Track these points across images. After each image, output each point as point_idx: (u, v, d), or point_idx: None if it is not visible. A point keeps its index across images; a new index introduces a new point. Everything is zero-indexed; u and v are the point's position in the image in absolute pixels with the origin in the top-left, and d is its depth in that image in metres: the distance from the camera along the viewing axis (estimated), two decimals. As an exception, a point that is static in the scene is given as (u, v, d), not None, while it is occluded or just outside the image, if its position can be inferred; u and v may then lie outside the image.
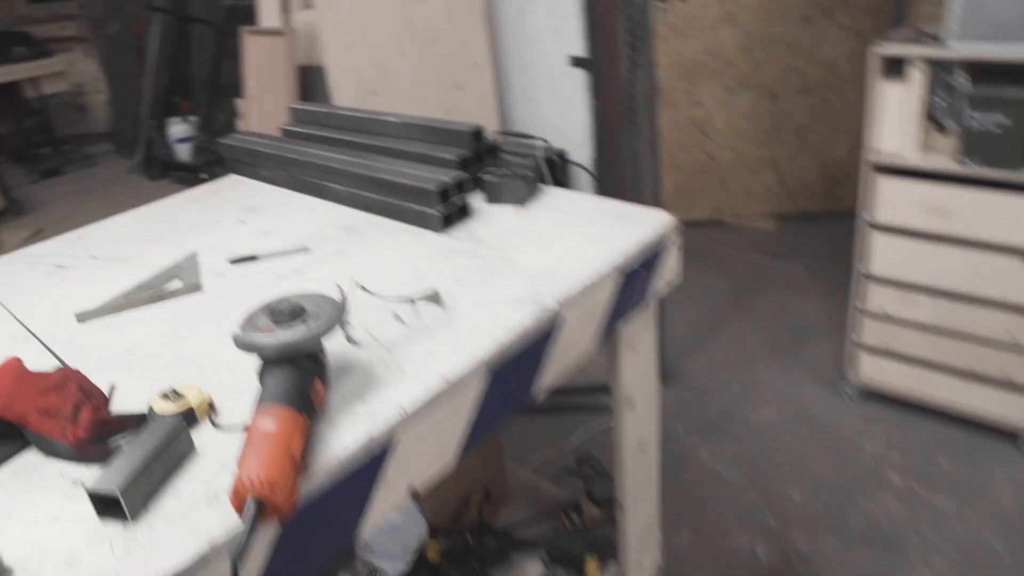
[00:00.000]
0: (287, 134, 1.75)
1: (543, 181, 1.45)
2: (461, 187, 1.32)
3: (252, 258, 1.28)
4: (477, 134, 1.47)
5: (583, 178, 3.51)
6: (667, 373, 2.58)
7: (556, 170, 3.36)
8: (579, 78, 3.31)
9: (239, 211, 1.56)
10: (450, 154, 1.43)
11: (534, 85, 3.45)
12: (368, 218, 1.43)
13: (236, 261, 1.29)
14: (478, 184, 1.43)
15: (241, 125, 4.15)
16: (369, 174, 1.40)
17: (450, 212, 1.30)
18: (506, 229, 1.30)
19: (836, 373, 2.72)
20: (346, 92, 3.75)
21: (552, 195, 1.47)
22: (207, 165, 4.91)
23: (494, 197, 1.40)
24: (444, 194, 1.29)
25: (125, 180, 5.59)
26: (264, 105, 3.91)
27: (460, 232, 1.31)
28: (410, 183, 1.31)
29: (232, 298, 1.20)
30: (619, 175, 3.19)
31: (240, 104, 4.10)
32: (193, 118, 5.42)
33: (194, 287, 1.24)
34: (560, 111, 3.40)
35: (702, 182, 4.34)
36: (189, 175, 5.11)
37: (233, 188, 1.72)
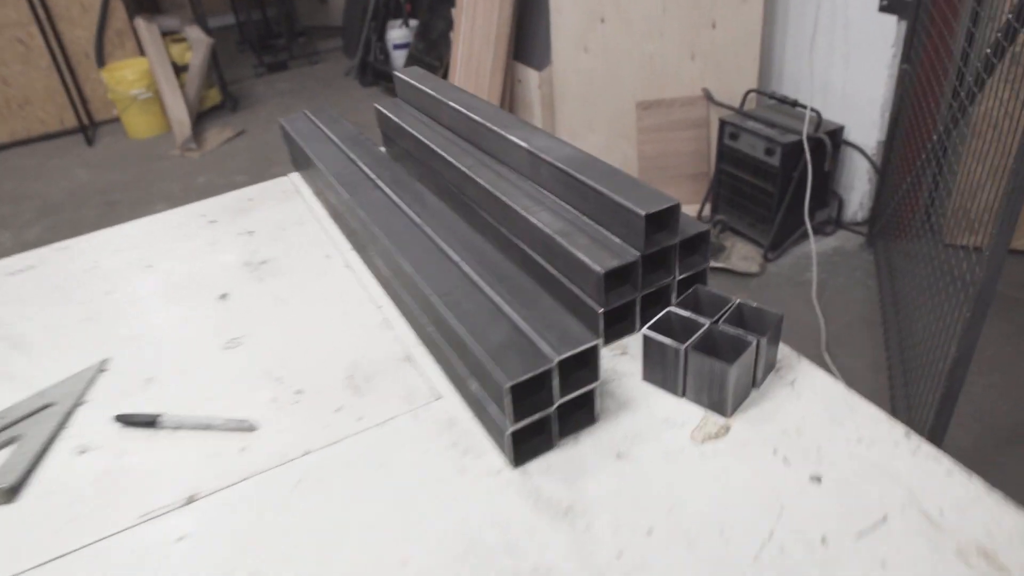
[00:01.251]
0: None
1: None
2: (585, 362, 0.70)
3: (150, 423, 0.82)
4: (662, 219, 0.79)
5: (859, 169, 2.72)
6: None
7: (824, 153, 2.61)
8: (886, 28, 2.49)
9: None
10: (593, 253, 0.79)
11: (816, 32, 2.68)
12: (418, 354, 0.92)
13: (126, 421, 0.83)
14: (619, 318, 0.81)
15: (451, 37, 3.78)
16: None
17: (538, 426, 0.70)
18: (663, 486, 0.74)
19: None
20: (569, 17, 3.22)
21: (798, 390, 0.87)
22: (415, 79, 4.66)
23: (666, 377, 0.78)
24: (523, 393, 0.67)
25: (340, 83, 5.58)
26: (476, 19, 3.49)
27: (544, 474, 0.69)
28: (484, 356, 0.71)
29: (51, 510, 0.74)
30: (918, 176, 2.37)
31: (454, 13, 3.72)
32: (413, 22, 5.20)
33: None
34: (847, 72, 2.62)
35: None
36: (397, 87, 4.92)
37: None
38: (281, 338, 0.92)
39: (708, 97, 2.93)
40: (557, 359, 0.66)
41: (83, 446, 0.80)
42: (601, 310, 0.79)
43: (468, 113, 1.06)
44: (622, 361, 0.81)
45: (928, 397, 1.71)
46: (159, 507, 0.71)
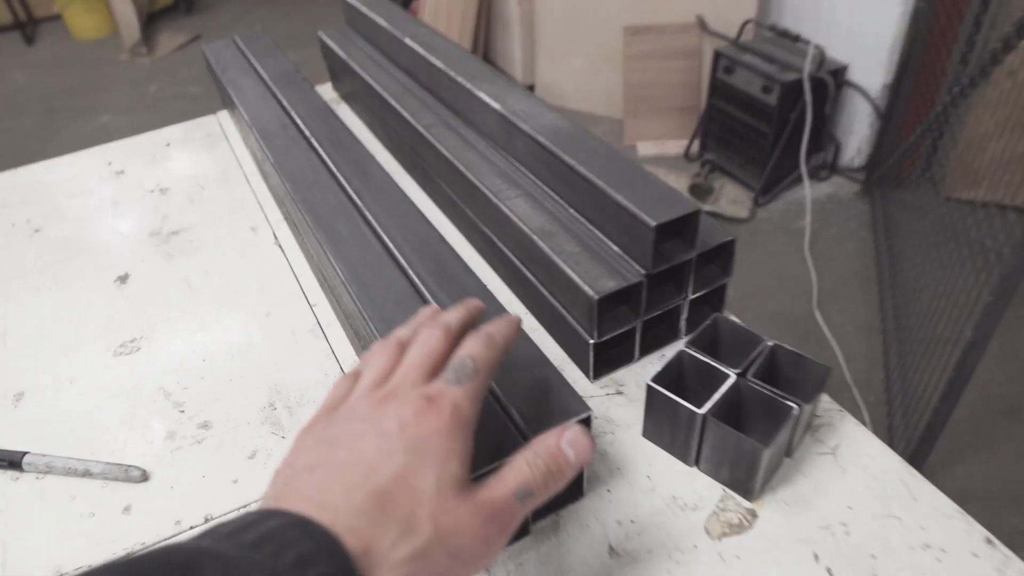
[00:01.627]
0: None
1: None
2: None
3: (14, 464, 0.62)
4: (676, 226, 0.60)
5: (860, 112, 2.51)
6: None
7: (825, 94, 2.38)
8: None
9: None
10: (584, 267, 0.60)
11: (827, -42, 2.40)
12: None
13: None
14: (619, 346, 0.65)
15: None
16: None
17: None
18: None
19: None
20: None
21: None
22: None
23: (675, 441, 0.59)
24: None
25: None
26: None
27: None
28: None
29: None
30: (924, 128, 2.17)
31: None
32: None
33: None
34: (855, 6, 2.36)
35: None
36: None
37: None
38: (187, 343, 0.72)
39: (702, 25, 2.67)
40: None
41: (-81, 488, 0.61)
42: (591, 341, 0.60)
43: (428, 56, 0.83)
44: (616, 405, 0.62)
45: (932, 377, 1.57)
46: (4, 591, 0.53)
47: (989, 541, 0.52)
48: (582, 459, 0.41)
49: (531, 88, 3.30)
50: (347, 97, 1.10)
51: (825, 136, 2.57)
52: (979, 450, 1.82)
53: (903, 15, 2.27)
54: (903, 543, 0.52)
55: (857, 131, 2.57)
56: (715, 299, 0.68)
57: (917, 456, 1.61)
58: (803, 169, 2.44)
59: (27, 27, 4.43)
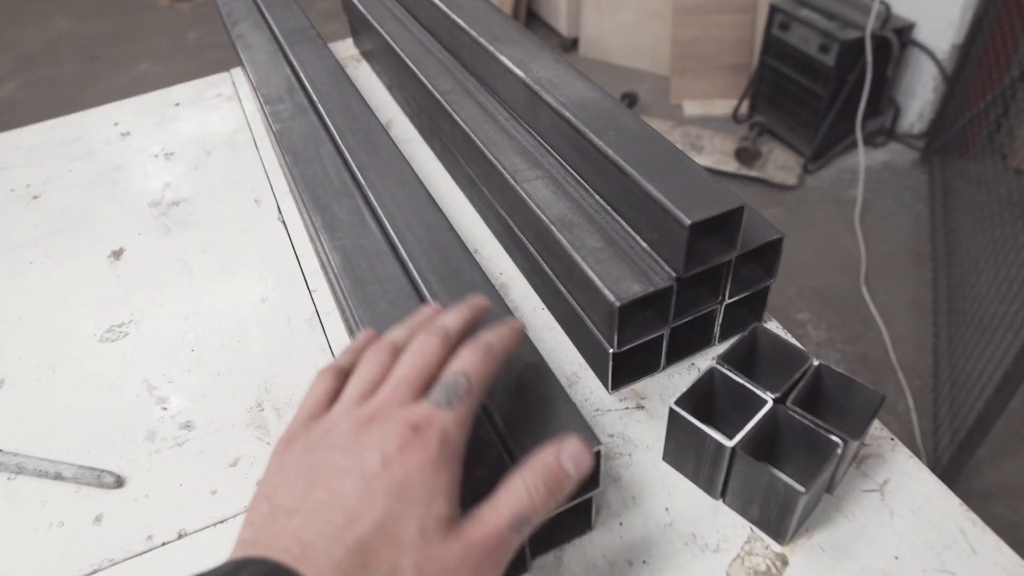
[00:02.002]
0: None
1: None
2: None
3: None
4: (714, 223, 0.52)
5: (925, 75, 2.33)
6: (944, 478, 1.62)
7: (888, 55, 2.22)
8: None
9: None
10: (606, 266, 0.53)
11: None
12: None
13: None
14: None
15: None
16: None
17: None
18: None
19: None
20: None
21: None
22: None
23: (699, 471, 0.52)
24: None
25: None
26: None
27: None
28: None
29: None
30: (996, 95, 2.01)
31: None
32: None
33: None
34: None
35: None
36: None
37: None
38: (178, 330, 0.67)
39: (760, -24, 2.50)
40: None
41: None
42: (611, 350, 0.53)
43: (449, 12, 0.75)
44: (636, 421, 0.55)
45: (986, 366, 1.46)
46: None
47: (1064, 608, 0.44)
48: (583, 473, 0.38)
49: (575, 42, 3.16)
50: (367, 55, 1.02)
51: (884, 99, 2.41)
52: (1031, 443, 1.71)
53: (979, -33, 2.09)
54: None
55: (920, 95, 2.40)
56: (755, 302, 0.60)
57: (963, 451, 1.51)
58: (859, 135, 2.30)
59: (70, -30, 4.39)
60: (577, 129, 0.57)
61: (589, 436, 0.43)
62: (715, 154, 2.46)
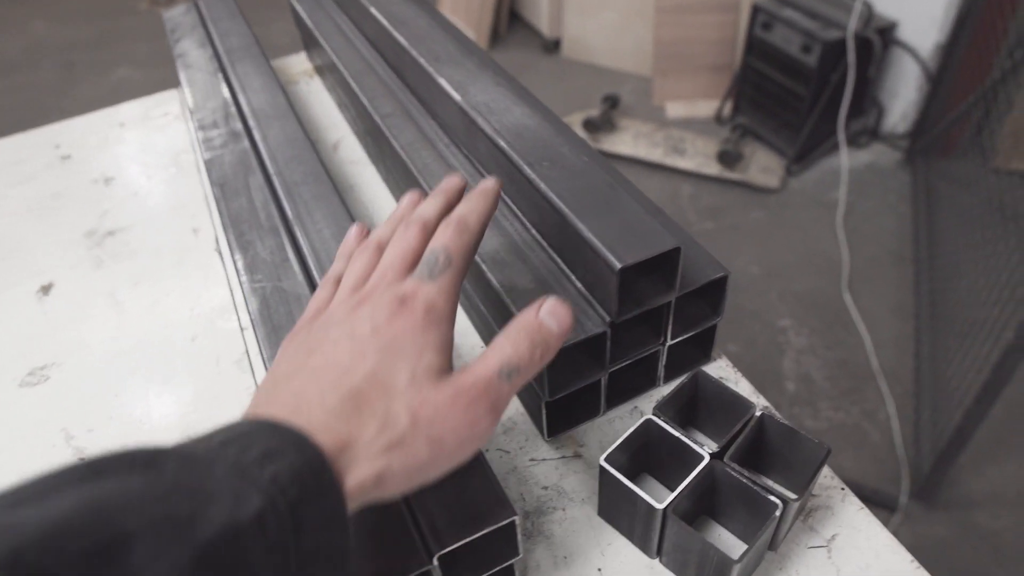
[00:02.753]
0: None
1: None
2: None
3: None
4: (652, 264, 0.49)
5: (908, 74, 2.30)
6: (925, 486, 1.58)
7: (870, 55, 2.18)
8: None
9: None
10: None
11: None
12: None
13: None
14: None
15: None
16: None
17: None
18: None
19: None
20: None
21: None
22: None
23: (633, 530, 0.49)
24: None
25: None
26: None
27: None
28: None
29: None
30: (980, 94, 1.98)
31: None
32: None
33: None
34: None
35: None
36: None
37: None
38: (101, 374, 0.64)
39: (741, -25, 2.47)
40: (439, 552, 0.38)
41: None
42: (545, 399, 0.50)
43: (391, 30, 0.72)
44: (573, 471, 0.52)
45: (967, 374, 1.44)
46: None
47: None
48: (565, 327, 0.39)
49: (557, 43, 3.12)
50: (319, 70, 0.99)
51: (868, 100, 2.38)
52: (1013, 448, 1.68)
53: (960, -35, 2.06)
54: None
55: (903, 95, 2.37)
56: (704, 339, 0.57)
57: (944, 460, 1.49)
58: (841, 136, 2.27)
59: (50, -26, 4.34)
60: (511, 159, 0.54)
61: (503, 506, 0.40)
62: (697, 157, 2.43)
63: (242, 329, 0.65)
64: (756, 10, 2.32)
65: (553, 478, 0.52)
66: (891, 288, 2.04)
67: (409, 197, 0.48)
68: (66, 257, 0.76)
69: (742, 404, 0.49)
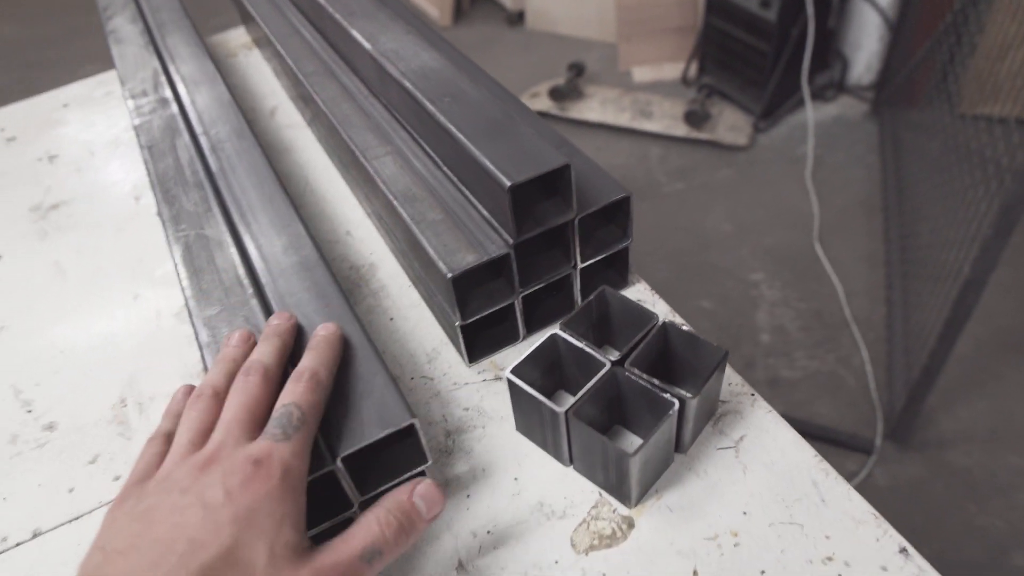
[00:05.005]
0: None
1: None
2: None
3: None
4: (548, 184, 0.52)
5: (869, 25, 2.32)
6: (898, 428, 1.61)
7: (828, 6, 2.20)
8: None
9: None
10: (443, 239, 0.52)
11: None
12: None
13: None
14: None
15: None
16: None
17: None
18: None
19: None
20: None
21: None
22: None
23: (546, 439, 0.52)
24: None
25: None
26: None
27: None
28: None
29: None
30: (937, 37, 2.00)
31: None
32: None
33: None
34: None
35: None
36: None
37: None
38: (47, 333, 0.66)
39: (699, -66, 2.48)
40: (343, 454, 0.41)
41: None
42: (458, 323, 0.53)
43: (311, -11, 0.73)
44: (493, 393, 0.55)
45: (930, 315, 1.47)
46: None
47: (904, 551, 0.44)
48: (434, 513, 0.41)
49: (521, 15, 3.13)
50: (257, 42, 1.00)
51: (832, 53, 2.40)
52: (983, 386, 1.72)
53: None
54: (801, 556, 0.44)
55: (866, 46, 2.39)
56: (619, 263, 0.60)
57: (913, 400, 1.52)
58: (805, 90, 2.29)
59: (9, -23, 4.30)
60: (414, 98, 0.56)
61: (401, 410, 0.43)
62: (664, 119, 2.45)
63: (183, 286, 0.68)
64: (715, -32, 2.34)
65: (474, 400, 0.55)
66: (862, 238, 2.07)
67: (239, 335, 0.46)
68: (12, 231, 0.78)
69: (645, 316, 0.51)
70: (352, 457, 0.41)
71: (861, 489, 1.66)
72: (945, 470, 1.61)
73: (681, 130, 2.40)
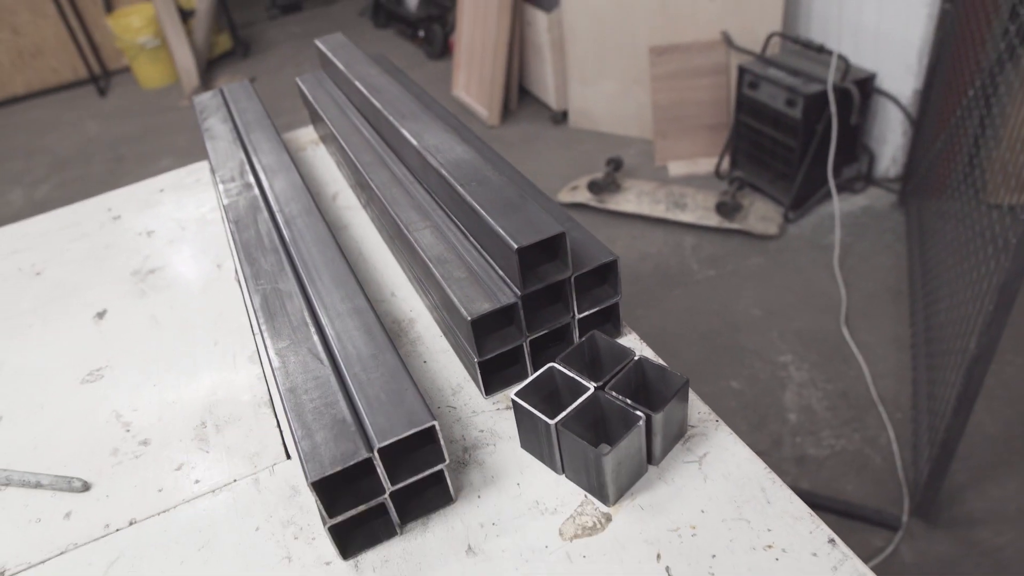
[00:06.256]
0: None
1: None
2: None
3: None
4: (550, 248, 0.67)
5: (893, 120, 2.46)
6: (923, 504, 1.64)
7: (851, 104, 2.36)
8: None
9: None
10: (466, 291, 0.66)
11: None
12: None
13: None
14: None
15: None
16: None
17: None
18: None
19: None
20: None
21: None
22: (427, 20, 4.44)
23: (542, 451, 0.64)
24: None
25: (353, 25, 5.38)
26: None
27: (377, 571, 0.61)
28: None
29: None
30: (958, 126, 2.13)
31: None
32: (430, -41, 4.94)
33: None
34: (881, 13, 2.34)
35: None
36: (408, 29, 4.70)
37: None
38: (144, 370, 0.81)
39: (727, 41, 2.69)
40: (378, 445, 0.54)
41: (-91, 500, 0.72)
42: (477, 360, 0.66)
43: (370, 97, 0.91)
44: (504, 419, 0.68)
45: (948, 391, 1.54)
46: (-37, 587, 0.63)
47: (832, 542, 0.55)
48: None
49: (565, 114, 3.37)
50: (323, 139, 1.19)
51: (858, 147, 2.54)
52: (1013, 466, 1.75)
53: (929, 17, 2.24)
54: (746, 543, 0.55)
55: (891, 140, 2.52)
56: (612, 316, 0.73)
57: (935, 474, 1.57)
58: (831, 182, 2.42)
59: (100, 80, 4.80)
60: (448, 182, 0.71)
61: (425, 416, 0.56)
62: (698, 210, 2.60)
63: (254, 333, 0.83)
64: (742, 71, 2.53)
65: (488, 424, 0.67)
66: (888, 321, 2.15)
67: None
68: (117, 291, 0.95)
69: (625, 353, 0.64)
70: (385, 451, 0.54)
71: (887, 565, 1.70)
72: (975, 549, 1.63)
73: (713, 220, 2.55)
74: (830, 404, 1.96)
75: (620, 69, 3.05)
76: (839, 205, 2.47)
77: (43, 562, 0.63)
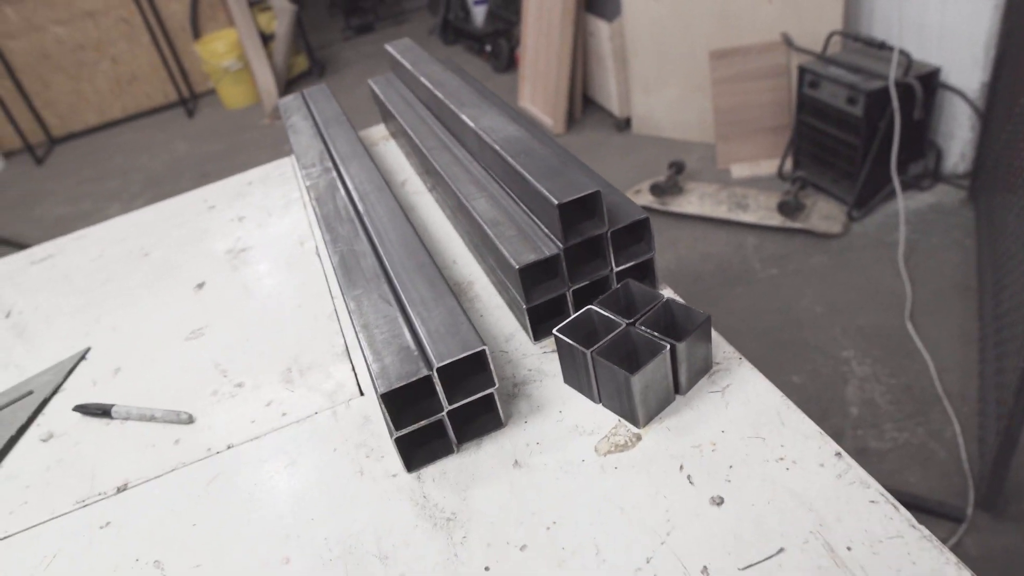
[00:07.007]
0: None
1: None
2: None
3: (104, 413, 0.85)
4: (587, 206, 0.76)
5: (960, 115, 2.45)
6: (989, 497, 1.64)
7: (914, 100, 2.36)
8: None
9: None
10: (515, 245, 0.75)
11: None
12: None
13: (84, 411, 0.87)
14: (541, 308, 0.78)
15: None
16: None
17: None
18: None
19: None
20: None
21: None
22: (493, 35, 4.60)
23: (581, 382, 0.71)
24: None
25: (423, 43, 5.60)
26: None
27: (437, 480, 0.67)
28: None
29: None
30: (1015, 126, 2.11)
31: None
32: (496, -23, 5.11)
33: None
34: (945, 8, 2.34)
35: None
36: (476, 44, 4.87)
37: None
38: (239, 330, 0.94)
39: (787, 42, 2.72)
40: (437, 365, 0.63)
41: (49, 433, 0.86)
42: (525, 306, 0.75)
43: (433, 89, 1.02)
44: (549, 360, 0.77)
45: (1015, 380, 1.54)
46: (94, 495, 0.75)
47: (838, 455, 0.61)
48: None
49: (627, 121, 3.44)
50: (393, 135, 1.31)
51: (924, 143, 2.53)
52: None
53: (995, 8, 2.23)
54: (760, 457, 0.62)
55: (959, 135, 2.51)
56: (648, 272, 0.81)
57: (999, 463, 1.57)
58: (895, 180, 2.42)
59: (188, 102, 5.14)
60: (501, 155, 0.81)
61: (477, 343, 0.65)
62: (760, 210, 2.63)
63: (332, 297, 0.94)
64: (802, 71, 2.56)
65: (536, 364, 0.76)
66: (955, 317, 2.14)
67: None
68: (213, 267, 1.09)
69: (655, 296, 0.72)
70: (443, 373, 0.64)
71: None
72: (1042, 543, 1.62)
73: (776, 220, 2.57)
74: (893, 398, 1.97)
75: (681, 75, 3.11)
76: (905, 202, 2.46)
77: (157, 477, 0.75)
